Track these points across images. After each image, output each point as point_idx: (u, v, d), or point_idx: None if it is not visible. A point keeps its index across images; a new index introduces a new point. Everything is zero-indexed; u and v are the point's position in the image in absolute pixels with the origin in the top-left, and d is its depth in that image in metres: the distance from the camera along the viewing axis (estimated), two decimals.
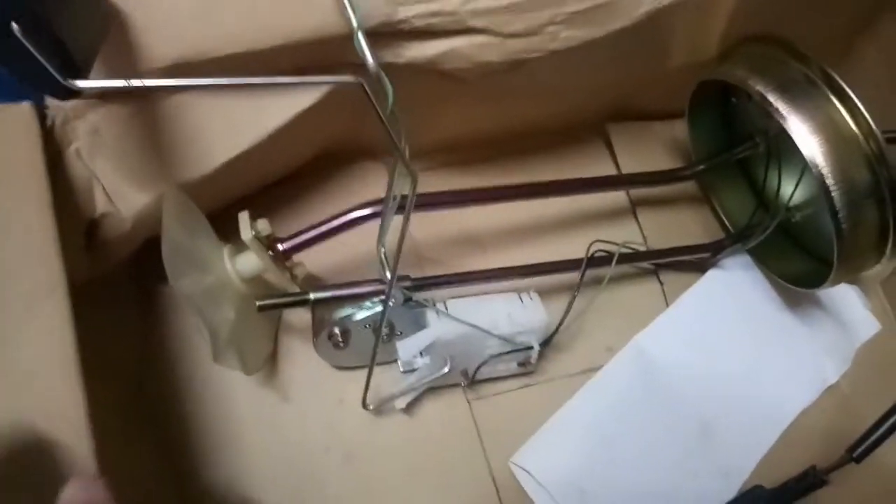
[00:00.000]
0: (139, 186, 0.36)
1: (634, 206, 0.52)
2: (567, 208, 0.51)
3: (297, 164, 0.46)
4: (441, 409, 0.44)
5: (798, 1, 0.44)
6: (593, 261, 0.44)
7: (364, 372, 0.40)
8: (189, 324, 0.43)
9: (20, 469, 0.27)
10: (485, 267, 0.43)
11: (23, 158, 0.32)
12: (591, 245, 0.44)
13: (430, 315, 0.40)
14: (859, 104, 0.37)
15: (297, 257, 0.41)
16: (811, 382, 0.48)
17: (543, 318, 0.42)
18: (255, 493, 0.40)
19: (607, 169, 0.53)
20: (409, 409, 0.43)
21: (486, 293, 0.43)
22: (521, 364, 0.43)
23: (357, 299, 0.40)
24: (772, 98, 0.39)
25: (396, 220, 0.34)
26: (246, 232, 0.37)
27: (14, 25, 0.22)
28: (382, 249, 0.38)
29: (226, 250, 0.38)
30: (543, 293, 0.44)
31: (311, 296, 0.38)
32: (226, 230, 0.38)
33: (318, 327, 0.40)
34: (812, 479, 0.41)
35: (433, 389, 0.44)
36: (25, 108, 0.33)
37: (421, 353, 0.41)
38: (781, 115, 0.38)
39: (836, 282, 0.41)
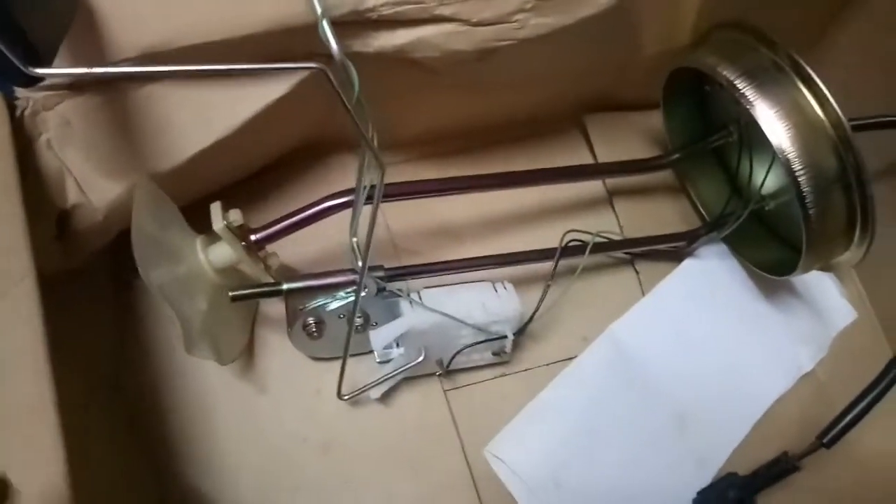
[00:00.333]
0: (111, 177, 0.36)
1: (611, 197, 0.52)
2: (544, 199, 0.51)
3: (272, 156, 0.46)
4: (417, 399, 0.44)
5: None
6: (568, 250, 0.44)
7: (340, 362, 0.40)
8: (165, 316, 0.43)
9: None
10: (462, 257, 0.43)
11: None
12: (564, 235, 0.44)
13: (404, 305, 0.40)
14: (826, 91, 0.37)
15: (273, 248, 0.41)
16: (786, 371, 0.48)
17: (517, 308, 0.42)
18: (233, 484, 0.41)
19: (584, 160, 0.53)
20: (386, 399, 0.44)
21: (461, 283, 0.43)
22: (495, 353, 0.44)
23: (330, 289, 0.40)
24: (740, 85, 0.39)
25: (368, 208, 0.34)
26: (218, 222, 0.37)
27: None
28: (354, 239, 0.38)
29: (199, 241, 0.38)
30: (519, 283, 0.44)
31: (284, 286, 0.39)
32: (200, 223, 0.39)
33: (292, 318, 0.41)
34: (784, 466, 0.42)
35: (409, 379, 0.44)
36: None
37: (396, 344, 0.42)
38: (749, 102, 0.38)
39: (807, 268, 0.42)
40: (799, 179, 0.37)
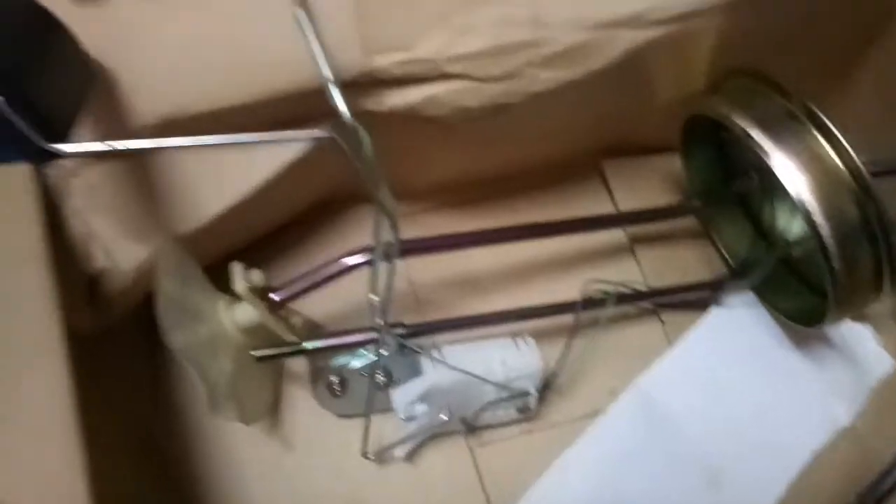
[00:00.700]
0: (136, 240, 0.37)
1: (633, 244, 0.52)
2: (566, 247, 0.51)
3: (292, 213, 0.47)
4: (444, 457, 0.44)
5: (783, 34, 0.44)
6: (590, 302, 0.44)
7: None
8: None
9: None
10: (485, 308, 0.43)
11: (21, 218, 0.33)
12: (586, 285, 0.43)
13: (425, 362, 0.40)
14: (843, 139, 0.37)
15: (296, 305, 0.41)
16: (821, 424, 0.46)
17: (538, 363, 0.42)
18: None
19: (605, 206, 0.53)
20: (412, 457, 0.43)
21: (482, 338, 0.43)
22: (520, 410, 0.43)
23: (351, 347, 0.40)
24: (754, 134, 0.38)
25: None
26: (239, 283, 0.38)
27: None
28: (374, 297, 0.38)
29: (221, 302, 0.39)
30: (542, 335, 0.44)
31: (307, 345, 0.39)
32: (223, 282, 0.39)
33: (315, 376, 0.41)
34: None
35: (436, 437, 0.44)
36: (23, 167, 0.34)
37: (420, 402, 0.41)
38: (765, 152, 0.38)
39: (836, 319, 0.41)
40: (820, 231, 0.37)
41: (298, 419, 0.44)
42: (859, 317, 0.42)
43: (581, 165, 0.54)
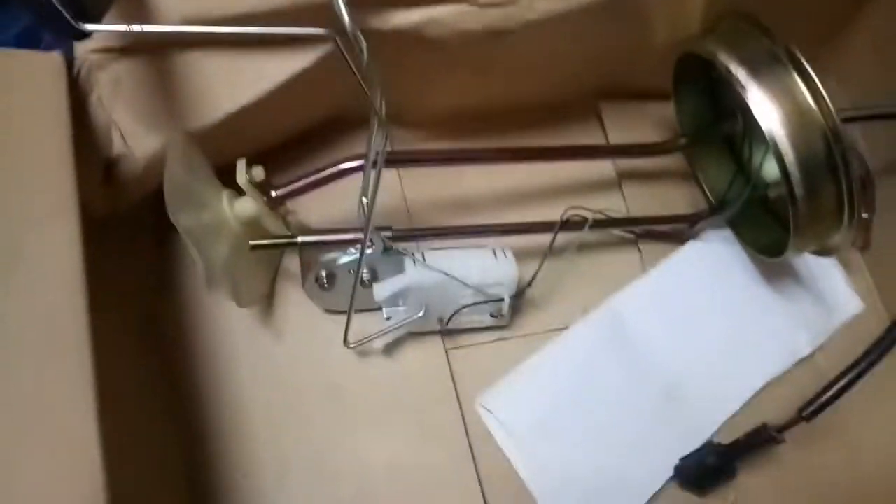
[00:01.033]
0: (152, 132, 0.41)
1: (620, 179, 0.54)
2: (557, 177, 0.53)
3: (299, 126, 0.50)
4: (420, 354, 0.47)
5: None
6: (569, 225, 0.46)
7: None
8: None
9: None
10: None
11: (50, 101, 0.37)
12: (566, 210, 0.46)
13: (408, 263, 0.44)
14: (818, 83, 0.39)
15: (300, 210, 0.45)
16: (783, 353, 0.50)
17: (514, 273, 0.45)
18: (247, 419, 0.44)
19: (598, 143, 0.55)
20: (392, 352, 0.47)
21: (464, 248, 0.46)
22: (493, 315, 0.46)
23: (341, 245, 0.43)
24: (735, 70, 0.41)
25: (386, 176, 0.37)
26: (242, 176, 0.41)
27: None
28: (364, 199, 0.41)
29: (225, 193, 0.43)
30: (523, 254, 0.47)
31: (299, 239, 0.42)
32: (232, 183, 0.43)
33: (305, 270, 0.44)
34: (763, 436, 0.43)
35: (414, 336, 0.47)
36: (55, 57, 0.38)
37: (401, 302, 0.45)
38: (743, 88, 0.40)
39: (798, 247, 0.43)
40: (785, 158, 0.39)
41: (290, 312, 0.48)
42: (821, 251, 0.45)
43: (579, 106, 0.56)
